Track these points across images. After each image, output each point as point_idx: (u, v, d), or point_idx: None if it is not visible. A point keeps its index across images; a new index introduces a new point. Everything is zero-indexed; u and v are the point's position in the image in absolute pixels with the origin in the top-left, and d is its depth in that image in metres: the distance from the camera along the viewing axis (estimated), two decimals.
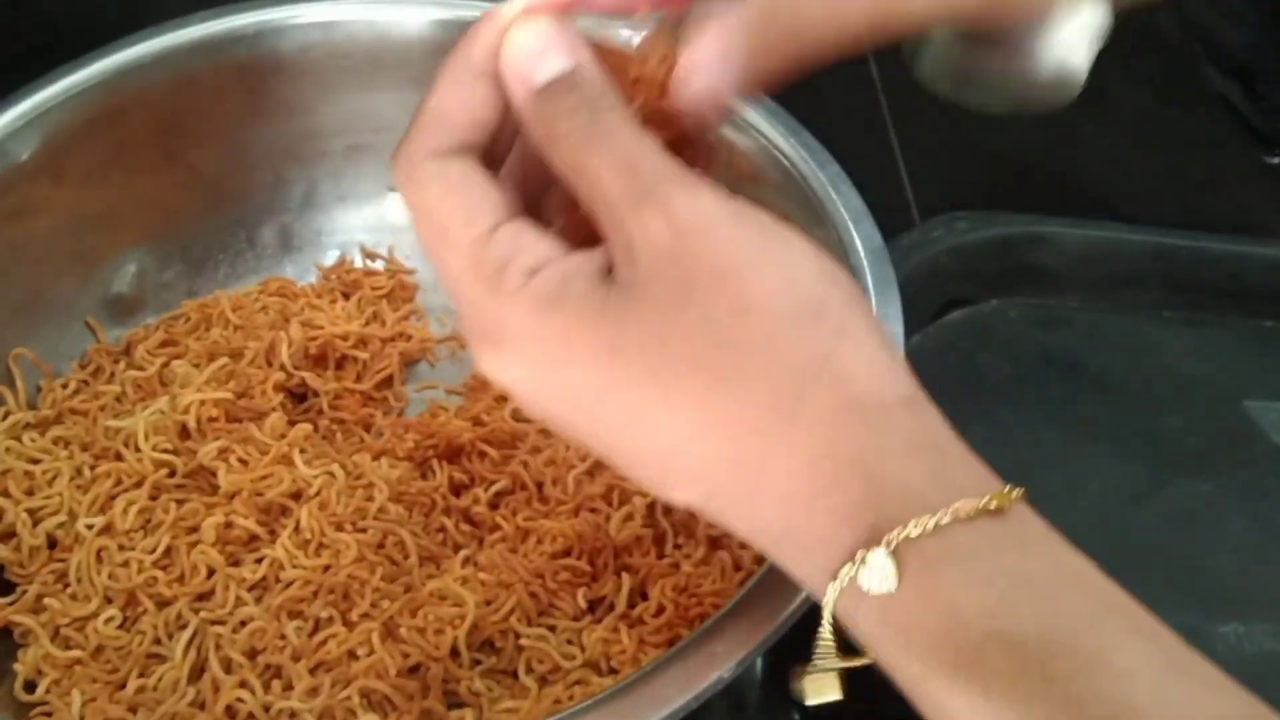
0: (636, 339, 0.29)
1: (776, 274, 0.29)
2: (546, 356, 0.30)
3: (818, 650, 0.30)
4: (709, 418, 0.29)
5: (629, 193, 0.29)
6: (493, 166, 0.32)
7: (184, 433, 0.51)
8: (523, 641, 0.46)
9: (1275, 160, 0.74)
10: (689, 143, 0.32)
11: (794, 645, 0.34)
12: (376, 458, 0.52)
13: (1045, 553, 0.28)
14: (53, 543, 0.49)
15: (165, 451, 0.50)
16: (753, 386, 0.28)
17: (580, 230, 0.32)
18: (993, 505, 0.27)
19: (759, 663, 0.47)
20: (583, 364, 0.29)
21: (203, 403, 0.51)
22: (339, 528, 0.48)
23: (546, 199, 0.33)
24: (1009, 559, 0.27)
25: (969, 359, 0.63)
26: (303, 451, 0.50)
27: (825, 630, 0.29)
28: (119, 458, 0.50)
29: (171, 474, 0.50)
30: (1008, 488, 0.28)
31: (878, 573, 0.27)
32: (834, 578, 0.28)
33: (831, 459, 0.28)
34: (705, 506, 0.30)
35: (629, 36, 0.33)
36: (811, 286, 0.29)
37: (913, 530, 0.27)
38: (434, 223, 0.31)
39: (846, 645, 0.30)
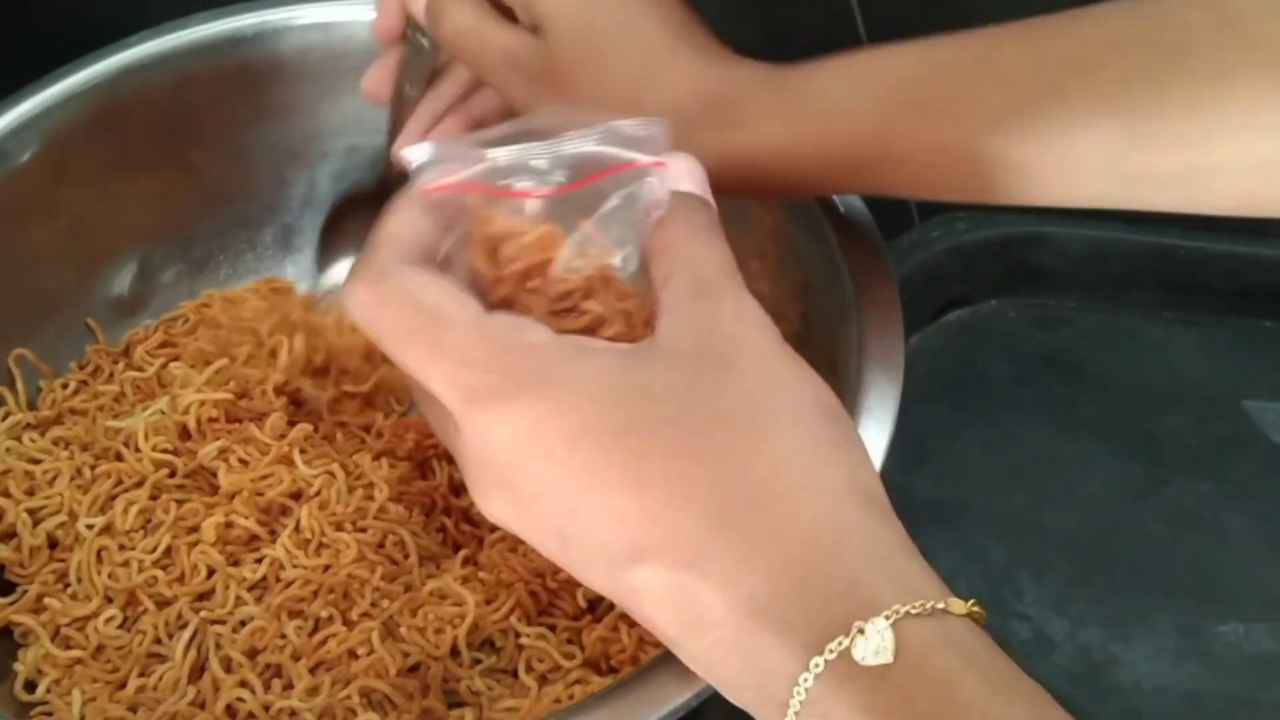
0: (665, 387, 0.29)
1: (806, 378, 0.31)
2: (574, 396, 0.29)
3: None
4: (721, 476, 0.29)
5: (693, 286, 0.31)
6: None
7: (184, 433, 0.51)
8: (523, 640, 0.46)
9: None
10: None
11: None
12: (377, 458, 0.52)
13: (1009, 662, 0.28)
14: (53, 543, 0.49)
15: (165, 451, 0.50)
16: (773, 451, 0.29)
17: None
18: (977, 610, 0.28)
19: None
20: (612, 402, 0.29)
21: (203, 403, 0.51)
22: (339, 527, 0.48)
23: None
24: (999, 658, 0.27)
25: (968, 359, 0.63)
26: (303, 451, 0.50)
27: None
28: (119, 458, 0.50)
29: (172, 474, 0.50)
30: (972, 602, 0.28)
31: (874, 644, 0.26)
32: (819, 652, 0.26)
33: (834, 532, 0.28)
34: (685, 571, 0.28)
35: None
36: (833, 399, 0.31)
37: (913, 608, 0.26)
38: (419, 311, 0.30)
39: None
